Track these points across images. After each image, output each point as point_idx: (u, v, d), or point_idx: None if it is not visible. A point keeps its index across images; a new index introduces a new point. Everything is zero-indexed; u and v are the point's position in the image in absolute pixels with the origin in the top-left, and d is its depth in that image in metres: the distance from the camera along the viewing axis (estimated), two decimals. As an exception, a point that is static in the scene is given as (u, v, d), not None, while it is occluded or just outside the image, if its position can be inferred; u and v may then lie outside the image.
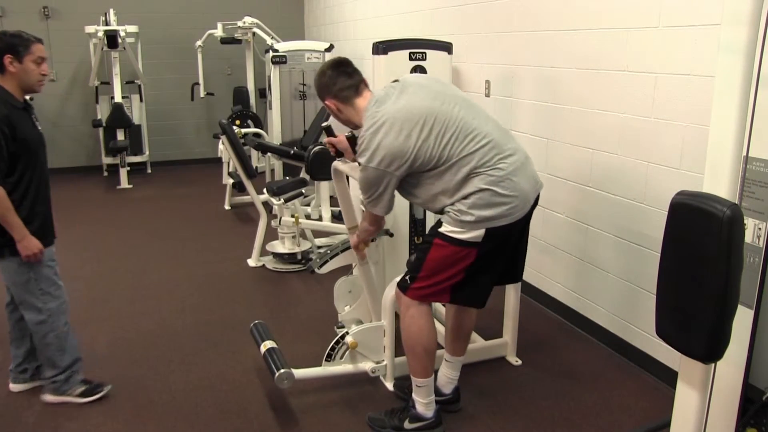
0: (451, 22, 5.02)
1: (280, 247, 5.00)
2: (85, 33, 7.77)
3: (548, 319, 4.05)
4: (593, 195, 3.64)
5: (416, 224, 3.71)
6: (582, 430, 2.89)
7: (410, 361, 2.76)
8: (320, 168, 4.09)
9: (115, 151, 7.80)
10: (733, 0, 1.42)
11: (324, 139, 3.11)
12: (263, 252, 5.04)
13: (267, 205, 5.25)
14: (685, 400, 1.58)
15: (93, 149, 8.54)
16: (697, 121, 2.92)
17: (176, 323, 3.97)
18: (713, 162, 1.51)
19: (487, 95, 4.54)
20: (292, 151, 5.47)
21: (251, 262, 5.03)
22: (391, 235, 3.42)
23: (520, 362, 3.46)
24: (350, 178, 3.33)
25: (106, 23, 7.57)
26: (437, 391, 2.91)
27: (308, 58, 6.69)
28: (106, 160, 8.30)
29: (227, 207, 6.75)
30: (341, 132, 3.06)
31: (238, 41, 7.93)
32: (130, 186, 7.76)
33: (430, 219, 3.80)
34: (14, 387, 3.17)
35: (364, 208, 2.76)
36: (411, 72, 3.70)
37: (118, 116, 7.69)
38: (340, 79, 2.67)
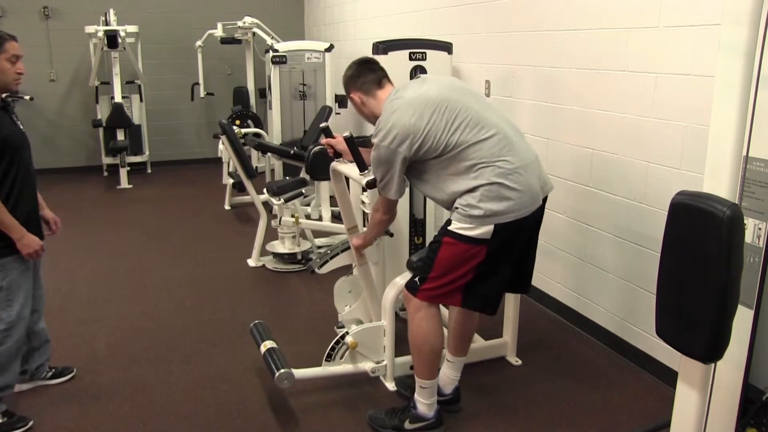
0: (451, 22, 5.02)
1: (280, 247, 5.00)
2: (85, 33, 7.77)
3: (548, 319, 4.05)
4: (593, 195, 3.64)
5: (416, 224, 3.72)
6: (582, 429, 2.89)
7: (416, 362, 2.75)
8: (320, 168, 4.07)
9: (115, 151, 7.79)
10: (732, 0, 1.42)
11: (322, 140, 3.11)
12: (263, 252, 5.04)
13: (267, 205, 5.24)
14: (685, 400, 1.58)
15: (93, 149, 8.53)
16: (697, 121, 2.92)
17: (176, 323, 3.97)
18: (713, 162, 1.52)
19: (487, 95, 4.54)
20: (292, 151, 5.47)
21: (251, 262, 5.03)
22: (391, 235, 3.42)
23: (520, 362, 3.46)
24: (350, 182, 3.34)
25: (106, 23, 7.57)
26: (438, 391, 2.91)
27: (308, 58, 6.69)
28: (106, 160, 8.30)
29: (227, 207, 6.75)
30: (340, 134, 3.07)
31: (238, 41, 7.93)
32: (130, 186, 7.76)
33: (431, 219, 3.81)
34: (15, 387, 3.15)
35: (367, 209, 2.77)
36: (411, 72, 3.70)
37: (118, 116, 7.68)
38: (365, 72, 2.82)
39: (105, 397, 3.14)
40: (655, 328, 1.54)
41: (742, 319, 1.60)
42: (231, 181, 6.45)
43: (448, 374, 2.99)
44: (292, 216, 4.85)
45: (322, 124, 3.34)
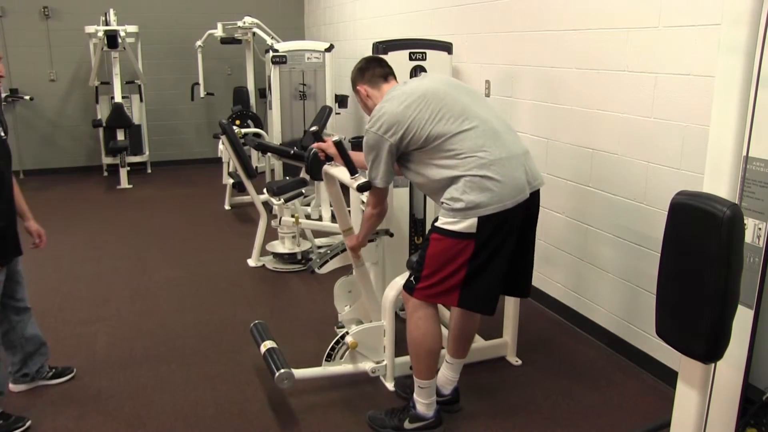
0: (451, 22, 5.02)
1: (280, 247, 5.00)
2: (85, 33, 7.77)
3: (548, 319, 4.05)
4: (593, 195, 3.64)
5: (416, 224, 3.72)
6: (582, 430, 2.89)
7: (414, 362, 2.76)
8: (320, 168, 4.08)
9: (115, 151, 7.79)
10: (733, 0, 1.41)
11: (313, 144, 3.13)
12: (263, 252, 5.04)
13: (267, 205, 5.24)
14: (685, 400, 1.58)
15: (93, 149, 8.53)
16: (698, 121, 2.92)
17: (176, 323, 3.97)
18: (713, 162, 1.51)
19: (487, 95, 4.54)
20: (292, 151, 5.47)
21: (251, 262, 5.03)
22: (391, 235, 3.42)
23: (520, 362, 3.46)
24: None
25: (106, 23, 7.57)
26: (437, 392, 2.91)
27: (308, 58, 6.68)
28: (106, 160, 8.30)
29: (227, 207, 6.75)
30: (330, 137, 3.10)
31: (238, 41, 7.93)
32: (130, 186, 7.76)
33: (430, 219, 3.80)
34: (15, 387, 3.16)
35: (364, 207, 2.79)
36: (411, 72, 3.70)
37: (118, 116, 7.68)
38: (373, 66, 2.92)
39: (105, 397, 3.14)
40: (655, 328, 1.54)
41: (742, 319, 1.60)
42: (231, 181, 6.45)
43: (447, 375, 2.99)
44: (292, 216, 4.86)
45: (312, 128, 3.36)
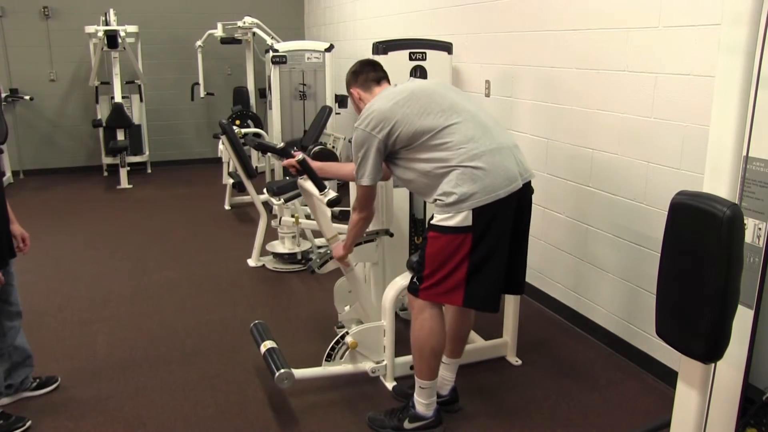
0: (451, 22, 5.02)
1: (280, 247, 5.00)
2: (85, 33, 7.77)
3: (548, 319, 4.05)
4: (593, 195, 3.64)
5: (416, 224, 3.72)
6: (582, 430, 2.89)
7: (417, 362, 2.75)
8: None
9: (115, 151, 7.79)
10: (733, 0, 1.41)
11: (283, 162, 3.14)
12: (263, 252, 5.04)
13: (267, 205, 5.24)
14: (685, 400, 1.58)
15: (93, 149, 8.54)
16: (698, 121, 2.92)
17: (176, 323, 3.97)
18: (713, 162, 1.51)
19: (488, 95, 4.54)
20: (292, 151, 5.47)
21: (251, 262, 5.03)
22: (391, 235, 3.42)
23: (520, 362, 3.46)
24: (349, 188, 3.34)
25: (106, 23, 7.57)
26: (435, 393, 2.92)
27: (308, 58, 6.69)
28: (106, 160, 8.30)
29: (227, 207, 6.75)
30: (298, 152, 3.16)
31: (238, 41, 7.93)
32: (130, 186, 7.76)
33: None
34: (1, 401, 3.03)
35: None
36: (411, 71, 3.70)
37: (118, 116, 7.69)
38: (367, 70, 2.96)
39: (105, 397, 3.14)
40: (655, 328, 1.54)
41: (742, 319, 1.60)
42: (231, 181, 6.45)
43: (444, 376, 2.99)
44: (292, 216, 4.85)
45: (279, 145, 3.37)
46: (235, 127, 5.57)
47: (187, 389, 3.22)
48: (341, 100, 6.67)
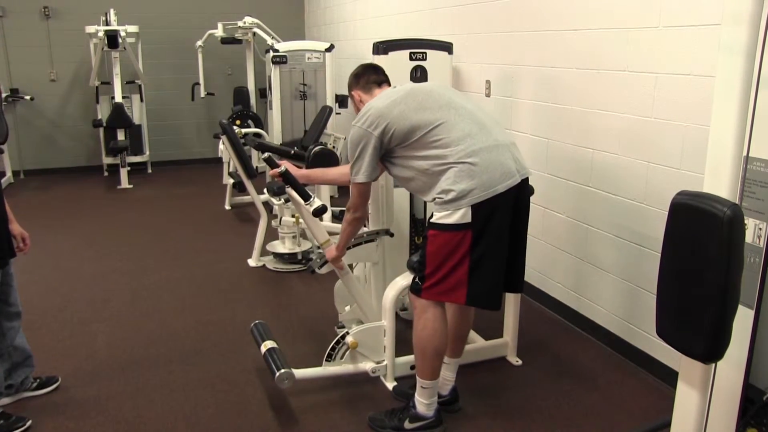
0: (451, 22, 5.02)
1: (280, 247, 5.01)
2: (85, 33, 7.77)
3: (549, 319, 4.05)
4: (593, 195, 3.64)
5: (416, 224, 3.71)
6: (582, 429, 2.89)
7: (419, 362, 2.75)
8: (321, 167, 4.08)
9: (115, 151, 7.80)
10: (733, 0, 1.41)
11: (269, 171, 3.14)
12: (264, 252, 5.04)
13: (267, 205, 5.25)
14: (686, 400, 1.57)
15: (93, 149, 8.54)
16: (698, 121, 2.92)
17: (176, 323, 3.97)
18: (713, 162, 1.51)
19: (488, 95, 4.54)
20: (292, 151, 5.46)
21: (251, 262, 5.03)
22: (392, 235, 3.42)
23: (520, 362, 3.46)
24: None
25: (107, 23, 7.57)
26: (436, 393, 2.92)
27: (308, 58, 6.68)
28: (107, 160, 8.31)
29: (227, 207, 6.75)
30: (284, 161, 3.18)
31: (239, 41, 7.93)
32: (131, 186, 7.76)
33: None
34: (1, 401, 3.02)
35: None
36: (411, 72, 3.70)
37: (119, 116, 7.69)
38: (368, 73, 3.04)
39: (105, 397, 3.14)
40: (656, 329, 1.54)
41: (743, 319, 1.60)
42: (231, 181, 6.45)
43: (444, 375, 2.98)
44: (293, 216, 4.86)
45: (264, 155, 3.36)
46: (235, 127, 5.57)
47: (188, 389, 3.22)
48: (341, 100, 6.67)
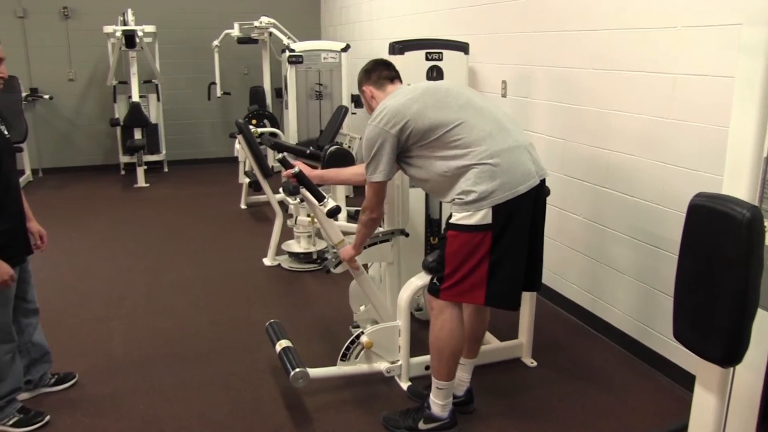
0: (467, 22, 5.01)
1: (295, 246, 5.02)
2: (103, 33, 7.84)
3: (564, 321, 4.03)
4: (610, 196, 3.62)
5: (432, 224, 3.71)
6: (596, 431, 2.88)
7: (436, 363, 2.75)
8: (336, 167, 4.09)
9: (132, 150, 7.85)
10: (754, 0, 1.40)
11: (284, 172, 3.13)
12: (279, 251, 5.06)
13: (283, 204, 5.26)
14: (703, 404, 1.56)
15: (110, 148, 8.61)
16: (716, 122, 2.89)
17: (192, 322, 4.00)
18: (733, 163, 1.50)
19: (504, 95, 4.52)
20: (308, 151, 5.48)
21: (267, 261, 5.04)
22: (407, 235, 3.42)
23: (535, 364, 3.44)
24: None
25: (125, 23, 7.63)
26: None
27: (324, 58, 6.70)
28: (124, 159, 8.37)
29: (243, 206, 6.78)
30: (298, 162, 3.16)
31: (255, 41, 7.96)
32: (147, 185, 7.81)
33: (445, 219, 3.79)
34: (20, 396, 3.03)
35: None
36: (427, 72, 3.69)
37: (136, 115, 7.74)
38: (380, 68, 2.97)
39: (121, 394, 3.16)
40: (673, 332, 1.53)
41: (762, 322, 1.58)
42: (247, 180, 6.47)
43: (460, 376, 2.98)
44: (308, 215, 4.86)
45: (279, 156, 3.37)
46: (251, 127, 5.60)
47: (203, 387, 3.23)
48: (357, 100, 6.67)
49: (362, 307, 3.54)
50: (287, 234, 5.13)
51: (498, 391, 3.18)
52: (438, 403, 2.78)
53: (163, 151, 8.54)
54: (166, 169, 8.67)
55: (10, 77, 7.40)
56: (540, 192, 2.63)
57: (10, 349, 2.83)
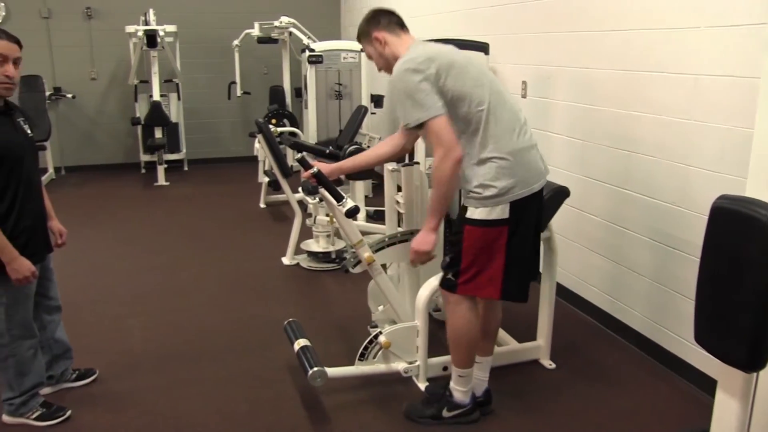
0: (487, 23, 5.00)
1: (314, 245, 5.03)
2: (125, 32, 7.90)
3: (582, 323, 4.00)
4: (630, 198, 3.59)
5: (451, 224, 3.70)
6: (616, 435, 2.86)
7: (454, 353, 2.81)
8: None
9: (152, 149, 7.91)
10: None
11: (303, 174, 3.10)
12: (298, 250, 5.07)
13: (302, 203, 5.28)
14: (725, 410, 1.55)
15: (131, 147, 8.68)
16: (739, 123, 2.86)
17: (210, 320, 4.02)
18: (757, 165, 1.49)
19: (524, 96, 4.50)
20: (327, 150, 5.50)
21: (285, 261, 5.06)
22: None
23: (553, 365, 3.43)
24: (385, 179, 3.31)
25: (146, 23, 7.69)
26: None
27: (344, 58, 6.71)
28: (144, 158, 8.43)
29: (262, 205, 6.81)
30: (317, 161, 3.14)
31: (275, 41, 7.99)
32: (167, 183, 7.87)
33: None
34: (42, 390, 3.06)
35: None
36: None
37: (156, 114, 7.79)
38: (386, 15, 2.77)
39: (140, 391, 3.19)
40: (694, 335, 1.51)
41: (785, 326, 1.57)
42: (266, 179, 6.49)
43: (477, 375, 2.98)
44: (327, 215, 4.87)
45: (297, 156, 3.35)
46: (271, 126, 5.62)
47: (221, 385, 3.25)
48: (377, 100, 6.68)
49: (380, 307, 3.54)
50: (306, 233, 5.14)
51: (516, 393, 3.17)
52: (460, 390, 2.84)
53: (184, 150, 8.60)
54: (186, 168, 8.73)
55: (33, 76, 7.59)
56: (542, 188, 2.69)
57: (32, 345, 2.87)
